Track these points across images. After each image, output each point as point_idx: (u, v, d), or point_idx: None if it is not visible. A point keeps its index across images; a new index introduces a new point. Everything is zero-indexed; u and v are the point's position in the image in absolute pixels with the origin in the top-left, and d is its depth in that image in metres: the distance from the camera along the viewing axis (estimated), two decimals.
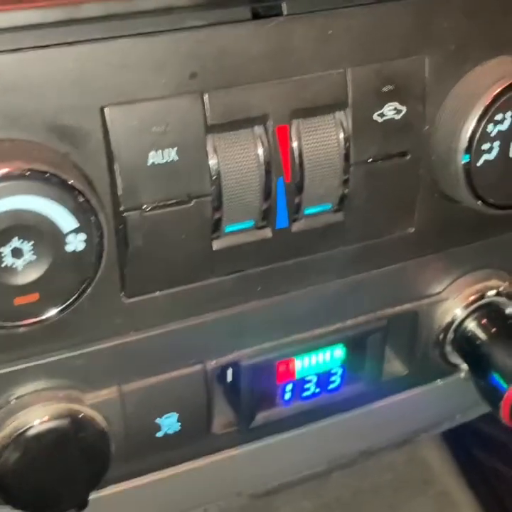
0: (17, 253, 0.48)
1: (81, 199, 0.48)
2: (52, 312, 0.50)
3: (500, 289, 0.70)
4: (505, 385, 0.65)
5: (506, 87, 0.58)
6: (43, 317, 0.50)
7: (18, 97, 0.47)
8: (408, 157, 0.60)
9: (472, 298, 0.69)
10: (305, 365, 0.66)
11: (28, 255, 0.48)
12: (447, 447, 1.13)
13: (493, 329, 0.68)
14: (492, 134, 0.59)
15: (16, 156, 0.47)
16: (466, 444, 1.13)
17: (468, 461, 1.13)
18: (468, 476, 1.10)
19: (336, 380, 0.69)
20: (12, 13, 0.46)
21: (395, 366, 0.73)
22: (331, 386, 0.69)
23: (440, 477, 1.11)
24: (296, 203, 0.58)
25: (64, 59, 0.48)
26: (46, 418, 0.56)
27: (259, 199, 0.56)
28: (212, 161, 0.54)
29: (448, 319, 0.69)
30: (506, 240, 0.69)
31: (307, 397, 0.68)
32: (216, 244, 0.57)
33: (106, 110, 0.50)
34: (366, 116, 0.57)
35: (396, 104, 0.58)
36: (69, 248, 0.49)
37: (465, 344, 0.70)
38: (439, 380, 0.75)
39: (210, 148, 0.53)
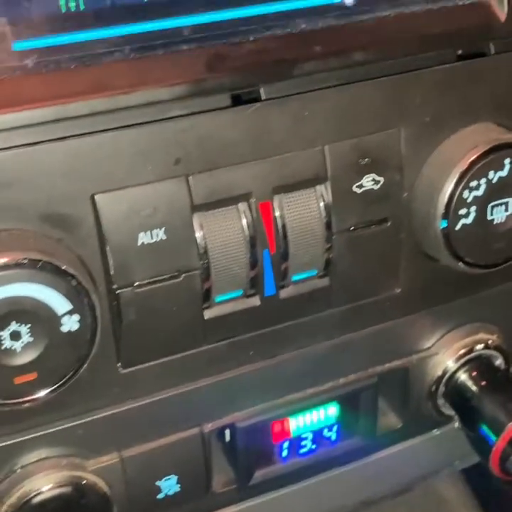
0: (15, 336, 0.51)
1: (74, 283, 0.51)
2: (50, 389, 0.53)
3: (489, 342, 0.72)
4: (493, 437, 0.67)
5: (480, 155, 0.61)
6: (42, 394, 0.53)
7: (13, 192, 0.51)
8: (389, 223, 0.63)
9: (462, 352, 0.72)
10: (300, 423, 0.69)
11: (26, 337, 0.51)
12: (465, 480, 1.13)
13: (483, 382, 0.71)
14: (468, 200, 0.61)
15: (12, 246, 0.50)
16: (485, 476, 1.13)
17: (487, 494, 1.12)
18: (488, 510, 1.10)
19: (332, 436, 0.71)
20: (5, 116, 0.49)
21: (390, 419, 0.75)
22: (327, 442, 0.71)
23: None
24: (282, 271, 0.61)
25: (54, 153, 0.51)
26: (50, 486, 0.59)
27: (246, 270, 0.59)
28: (199, 238, 0.57)
29: (439, 373, 0.72)
30: (491, 295, 0.72)
31: (304, 454, 0.70)
32: (207, 314, 0.60)
33: (96, 197, 0.53)
34: (345, 188, 0.60)
35: (374, 176, 0.60)
36: (64, 329, 0.52)
37: (456, 396, 0.72)
38: (435, 429, 0.78)
39: (196, 226, 0.56)
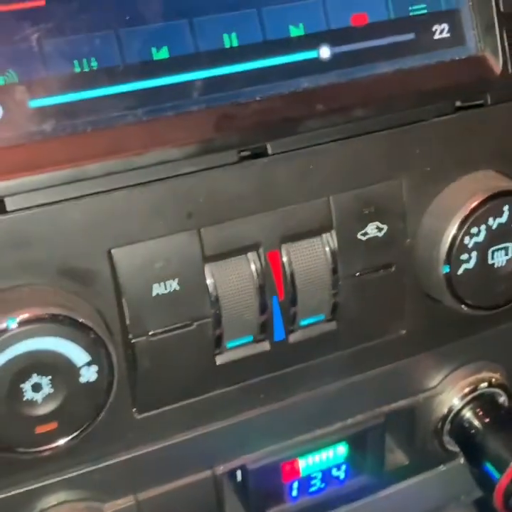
0: (36, 388, 0.53)
1: (92, 335, 0.54)
2: (70, 437, 0.55)
3: (492, 380, 0.74)
4: (497, 475, 0.69)
5: (480, 202, 0.63)
6: (62, 442, 0.55)
7: (33, 249, 0.53)
8: (393, 268, 0.65)
9: (466, 390, 0.73)
10: (309, 463, 0.70)
11: (46, 388, 0.53)
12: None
13: (487, 420, 0.72)
14: (469, 246, 0.64)
15: (33, 302, 0.53)
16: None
17: None
18: None
19: (341, 474, 0.73)
20: (25, 178, 0.52)
21: (397, 456, 0.77)
22: (336, 480, 0.73)
23: None
24: (291, 317, 0.63)
25: (72, 212, 0.54)
26: None
27: (256, 316, 0.61)
28: (210, 287, 0.59)
29: (444, 411, 0.74)
30: (493, 334, 0.74)
31: (314, 492, 0.72)
32: (219, 360, 0.62)
33: (113, 252, 0.56)
34: (350, 236, 0.62)
35: (377, 224, 0.63)
36: (83, 379, 0.54)
37: (461, 434, 0.74)
38: (441, 465, 0.79)
39: (208, 276, 0.59)
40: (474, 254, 0.64)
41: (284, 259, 0.61)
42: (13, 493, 0.59)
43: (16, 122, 0.52)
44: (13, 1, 0.51)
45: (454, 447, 0.75)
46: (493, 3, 0.64)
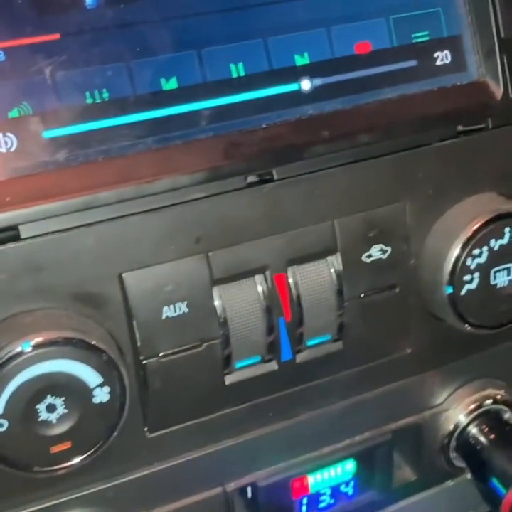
0: (51, 408, 0.55)
1: (105, 357, 0.55)
2: (84, 456, 0.57)
3: (497, 397, 0.75)
4: (503, 490, 0.70)
5: (482, 224, 0.65)
6: (77, 461, 0.57)
7: (47, 274, 0.55)
8: (397, 289, 0.66)
9: (472, 407, 0.75)
10: (318, 480, 0.72)
11: (61, 409, 0.55)
12: None
13: (492, 436, 0.73)
14: (472, 267, 0.65)
15: (47, 325, 0.54)
16: None
17: None
18: None
19: (349, 490, 0.74)
20: (39, 207, 0.54)
21: (405, 472, 0.78)
22: (345, 496, 0.74)
23: None
24: (297, 337, 0.64)
25: (84, 238, 0.56)
26: None
27: (263, 337, 0.63)
28: (219, 309, 0.60)
29: (450, 428, 0.75)
30: (497, 352, 0.75)
31: (323, 509, 0.73)
32: (228, 380, 0.63)
33: (124, 276, 0.57)
34: (355, 258, 0.64)
35: (381, 246, 0.64)
36: (96, 400, 0.56)
37: (467, 450, 0.75)
38: (448, 481, 0.80)
39: (216, 298, 0.60)
40: (477, 275, 0.65)
41: (291, 281, 0.62)
42: (28, 510, 0.61)
43: (30, 152, 0.54)
44: (29, 34, 0.53)
45: (460, 463, 0.76)
46: (494, 30, 0.66)
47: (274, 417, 0.68)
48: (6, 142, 0.54)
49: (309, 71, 0.61)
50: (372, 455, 0.73)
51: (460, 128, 0.65)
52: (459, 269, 0.64)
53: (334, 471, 0.72)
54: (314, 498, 0.73)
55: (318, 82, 0.62)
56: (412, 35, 0.64)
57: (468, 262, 0.65)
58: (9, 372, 0.53)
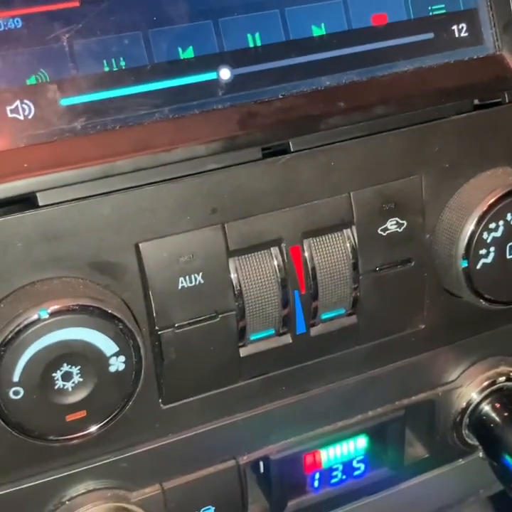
0: (67, 377, 0.55)
1: (121, 326, 0.55)
2: (99, 425, 0.57)
3: (511, 374, 0.75)
4: None
5: (498, 198, 0.65)
6: (91, 430, 0.57)
7: (65, 243, 0.55)
8: (412, 263, 0.66)
9: (485, 384, 0.75)
10: (331, 455, 0.72)
11: (76, 378, 0.55)
12: (493, 507, 1.15)
13: (505, 413, 0.73)
14: (488, 241, 0.65)
15: (64, 294, 0.54)
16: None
17: None
18: None
19: (361, 466, 0.74)
20: (56, 174, 0.54)
21: (417, 449, 0.78)
22: (357, 472, 0.74)
23: None
24: (312, 311, 0.64)
25: (101, 207, 0.56)
26: None
27: (278, 310, 0.63)
28: (234, 281, 0.60)
29: (463, 405, 0.75)
30: (511, 329, 0.75)
31: (335, 484, 0.74)
32: (243, 352, 0.63)
33: (140, 246, 0.57)
34: (371, 232, 0.64)
35: (397, 219, 0.64)
36: (112, 369, 0.56)
37: (479, 427, 0.75)
38: (460, 459, 0.80)
39: (232, 270, 0.60)
40: (492, 249, 0.65)
41: (306, 254, 0.62)
42: (43, 480, 0.61)
43: (48, 120, 0.54)
44: (48, 2, 0.53)
45: (473, 441, 0.77)
46: (511, 3, 0.65)
47: (287, 390, 0.68)
48: (23, 109, 0.54)
49: (326, 42, 0.61)
50: (385, 431, 0.73)
51: (476, 102, 0.65)
52: (475, 243, 0.64)
53: (347, 446, 0.72)
54: (326, 473, 0.73)
55: (335, 53, 0.62)
56: (429, 8, 0.64)
57: (484, 235, 0.64)
58: (25, 340, 0.53)
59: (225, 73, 0.59)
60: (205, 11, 0.58)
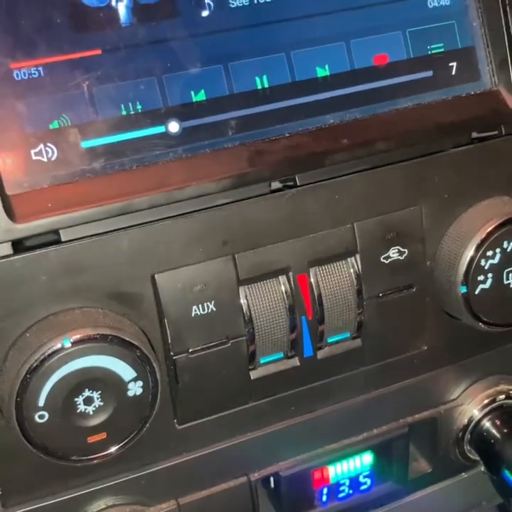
0: (88, 401, 0.59)
1: (138, 353, 0.59)
2: (118, 446, 0.61)
3: (510, 392, 0.78)
4: None
5: (496, 226, 0.68)
6: (111, 450, 0.61)
7: (85, 276, 0.59)
8: (414, 289, 0.69)
9: (485, 402, 0.78)
10: (338, 471, 0.75)
11: (97, 402, 0.59)
12: None
13: (505, 429, 0.77)
14: (485, 267, 0.68)
15: (85, 323, 0.58)
16: None
17: None
18: None
19: (367, 481, 0.77)
20: (78, 212, 0.57)
21: (421, 464, 0.81)
22: (363, 487, 0.77)
23: None
24: (319, 335, 0.67)
25: (120, 241, 0.59)
26: None
27: (286, 335, 0.66)
28: (245, 308, 0.64)
29: (464, 422, 0.78)
30: (510, 349, 0.78)
31: (342, 498, 0.77)
32: (253, 375, 0.67)
33: (156, 277, 0.61)
34: (374, 260, 0.67)
35: (399, 248, 0.68)
36: (130, 393, 0.59)
37: (480, 443, 0.78)
38: (463, 473, 0.83)
39: (242, 297, 0.64)
40: (490, 275, 0.68)
41: (312, 281, 0.66)
42: (66, 497, 0.65)
43: (70, 161, 0.58)
44: (72, 50, 0.57)
45: (474, 456, 0.80)
46: (507, 41, 0.69)
47: (296, 410, 0.71)
48: (47, 152, 0.57)
49: (331, 82, 0.65)
50: (390, 447, 0.76)
51: (474, 135, 0.69)
52: (473, 270, 0.68)
53: (353, 462, 0.76)
54: (334, 489, 0.76)
55: (338, 93, 0.65)
56: (428, 47, 0.68)
57: (482, 262, 0.68)
58: (50, 367, 0.56)
59: (234, 114, 0.62)
60: (215, 56, 0.61)
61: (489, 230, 0.67)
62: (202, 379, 0.65)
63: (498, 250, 0.68)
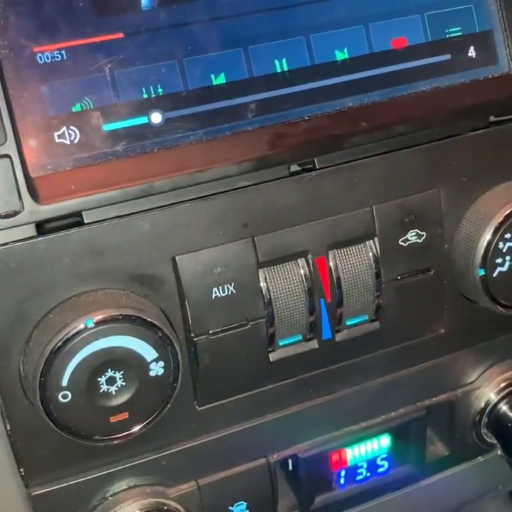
0: (111, 381, 0.59)
1: (160, 334, 0.59)
2: (140, 426, 0.61)
3: None
4: None
5: None
6: (133, 430, 0.61)
7: (107, 257, 0.60)
8: (432, 272, 0.70)
9: (502, 385, 0.78)
10: (356, 453, 0.76)
11: (119, 382, 0.60)
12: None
13: None
14: (504, 250, 0.68)
15: (108, 304, 0.59)
16: None
17: None
18: None
19: (385, 464, 0.78)
20: (100, 195, 0.58)
21: (438, 447, 0.82)
22: (381, 470, 0.78)
23: None
24: (337, 317, 0.68)
25: (141, 223, 0.60)
26: None
27: (305, 317, 0.67)
28: (264, 290, 0.64)
29: (482, 405, 0.78)
30: None
31: (360, 481, 0.77)
32: (272, 357, 0.67)
33: (177, 259, 0.62)
34: (392, 243, 0.68)
35: (417, 231, 0.68)
36: (152, 374, 0.60)
37: (497, 426, 0.78)
38: (479, 456, 0.84)
39: (262, 280, 0.64)
40: (508, 258, 0.69)
41: (331, 264, 0.66)
42: (88, 477, 0.66)
43: (92, 144, 0.59)
44: (94, 34, 0.58)
45: (491, 439, 0.80)
46: None
47: (314, 392, 0.72)
48: (69, 134, 0.58)
49: (349, 65, 0.65)
50: (407, 430, 0.77)
51: (492, 118, 0.69)
52: (491, 253, 0.68)
53: (371, 445, 0.76)
54: (352, 471, 0.77)
55: (357, 76, 0.65)
56: (446, 31, 0.68)
57: (500, 245, 0.68)
58: (73, 347, 0.57)
59: (254, 97, 0.63)
60: (235, 40, 0.62)
61: (507, 213, 0.68)
62: (222, 361, 0.65)
63: None
